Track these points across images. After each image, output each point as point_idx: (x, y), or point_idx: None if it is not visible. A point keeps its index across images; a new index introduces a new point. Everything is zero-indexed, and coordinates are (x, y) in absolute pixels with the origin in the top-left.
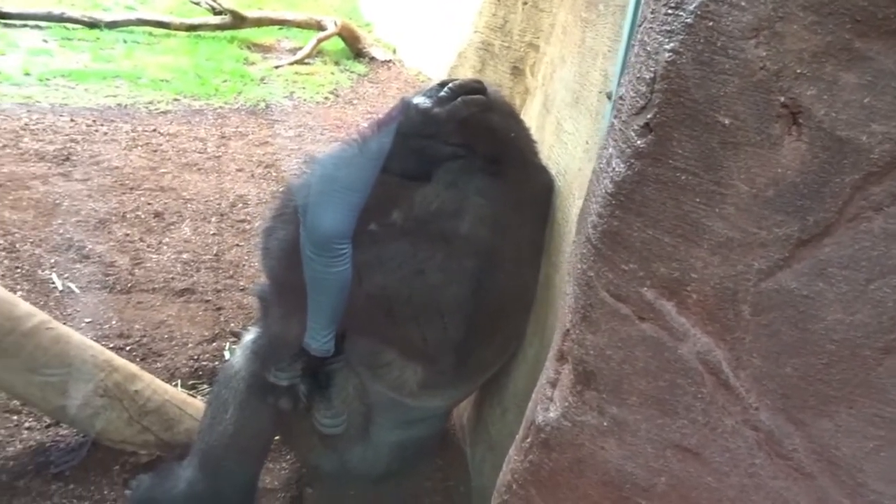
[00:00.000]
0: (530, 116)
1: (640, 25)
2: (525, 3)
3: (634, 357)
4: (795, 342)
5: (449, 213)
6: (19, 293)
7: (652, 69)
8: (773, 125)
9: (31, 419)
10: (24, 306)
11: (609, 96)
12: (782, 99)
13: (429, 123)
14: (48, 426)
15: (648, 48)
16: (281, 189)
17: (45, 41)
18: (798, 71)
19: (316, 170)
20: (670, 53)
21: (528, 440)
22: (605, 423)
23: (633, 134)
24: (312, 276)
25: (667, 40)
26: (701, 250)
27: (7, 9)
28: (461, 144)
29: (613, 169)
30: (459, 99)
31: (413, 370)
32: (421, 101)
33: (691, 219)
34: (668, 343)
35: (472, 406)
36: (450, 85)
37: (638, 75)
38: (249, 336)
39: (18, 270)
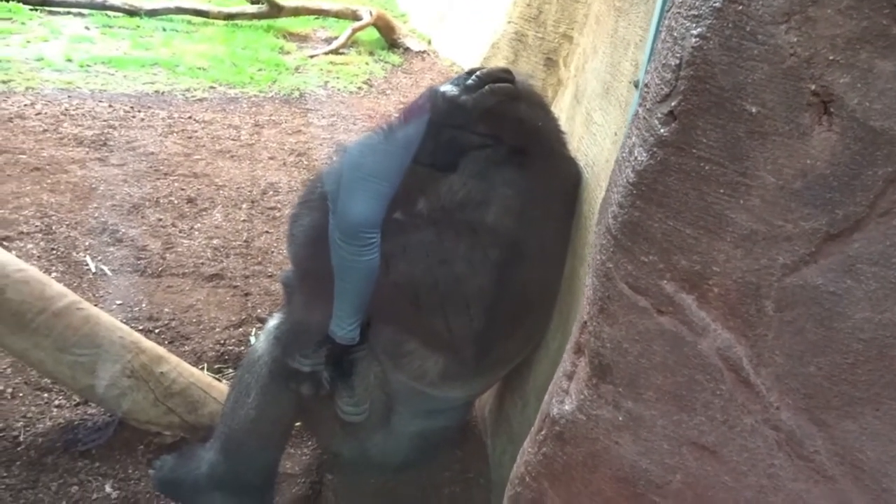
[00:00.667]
0: (561, 108)
1: (668, 11)
2: None
3: (652, 351)
4: (820, 340)
5: (475, 203)
6: (54, 274)
7: (678, 55)
8: (803, 114)
9: (61, 397)
10: (56, 287)
11: (636, 85)
12: (813, 87)
13: (455, 112)
14: (77, 405)
15: (675, 34)
16: (310, 177)
17: (87, 28)
18: (830, 58)
19: (345, 158)
20: (697, 39)
21: (543, 433)
22: (620, 418)
23: (656, 122)
24: (340, 264)
25: (694, 25)
26: (724, 243)
27: None
28: (488, 134)
29: (636, 158)
30: (486, 87)
31: (435, 360)
32: (448, 89)
33: (714, 210)
34: (688, 338)
35: (493, 398)
36: (477, 73)
37: (664, 62)
38: (273, 322)
39: (54, 252)
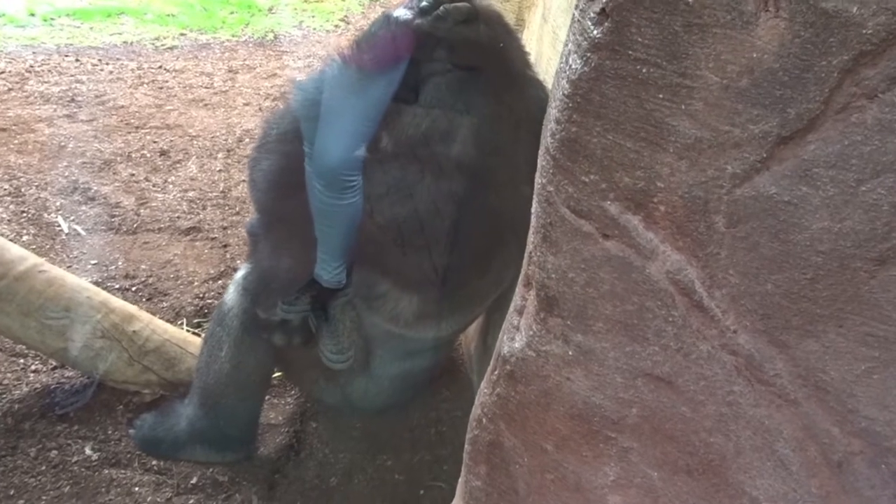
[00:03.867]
0: (532, 30)
1: None
2: None
3: (599, 279)
4: (776, 255)
5: (438, 134)
6: (25, 237)
7: None
8: (746, 0)
9: (37, 362)
10: (15, 250)
11: None
12: None
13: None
14: (54, 368)
15: None
16: (267, 117)
17: None
18: None
19: (312, 96)
20: None
21: (496, 373)
22: (570, 353)
23: (589, 23)
24: (320, 208)
25: None
26: (667, 155)
27: None
28: (448, 59)
29: (570, 66)
30: (441, 8)
31: (408, 300)
32: (401, 13)
33: (655, 119)
34: (636, 262)
35: (478, 334)
36: None
37: None
38: (241, 272)
39: (24, 214)
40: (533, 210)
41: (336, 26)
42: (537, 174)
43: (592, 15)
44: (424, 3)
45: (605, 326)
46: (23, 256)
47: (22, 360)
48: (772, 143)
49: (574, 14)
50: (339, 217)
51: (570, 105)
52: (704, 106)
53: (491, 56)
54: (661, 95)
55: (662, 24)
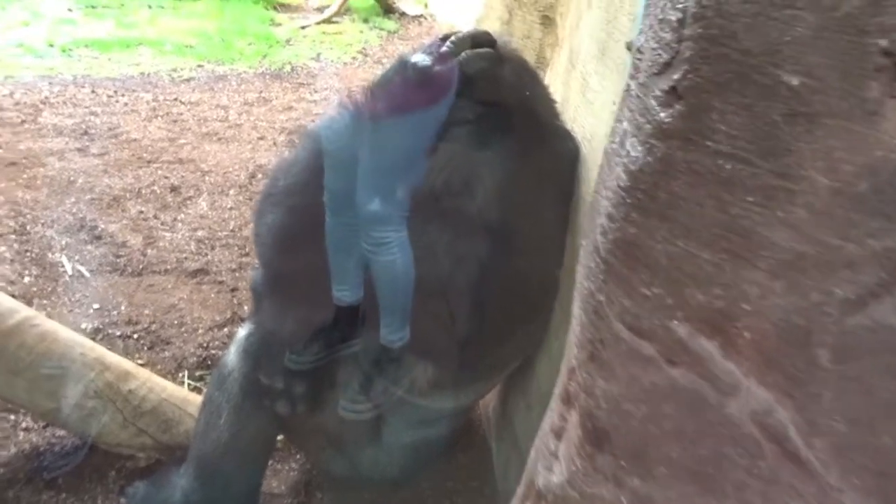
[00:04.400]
0: (557, 72)
1: None
2: None
3: (663, 414)
4: None
5: (457, 188)
6: (27, 278)
7: (680, 6)
8: (869, 84)
9: (28, 419)
10: (7, 302)
11: (629, 47)
12: (883, 43)
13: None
14: (45, 427)
15: None
16: (273, 166)
17: (70, 10)
18: None
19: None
20: None
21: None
22: (623, 500)
23: (654, 103)
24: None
25: None
26: (756, 272)
27: None
28: (469, 107)
29: (628, 153)
30: (463, 54)
31: (423, 368)
32: (420, 59)
33: (742, 227)
34: (710, 397)
35: (497, 399)
36: (452, 38)
37: (661, 17)
38: (243, 332)
39: (28, 254)
40: (575, 315)
41: (353, 58)
42: (581, 276)
43: (659, 93)
44: (445, 48)
45: (670, 472)
46: (13, 309)
47: (12, 417)
48: (895, 263)
49: (629, 85)
50: (380, 274)
51: (629, 201)
52: (809, 214)
53: (516, 105)
54: (750, 199)
55: (756, 112)
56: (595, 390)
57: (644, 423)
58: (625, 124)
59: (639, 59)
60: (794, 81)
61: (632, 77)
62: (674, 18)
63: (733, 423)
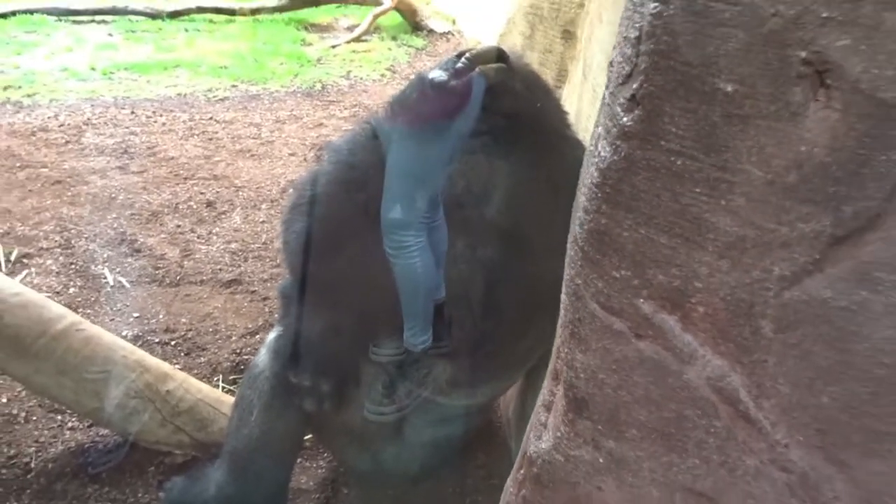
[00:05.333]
0: (574, 85)
1: None
2: None
3: (633, 382)
4: (833, 365)
5: (474, 196)
6: (72, 289)
7: (637, 25)
8: (793, 89)
9: (73, 419)
10: (55, 308)
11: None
12: (803, 54)
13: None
14: (90, 426)
15: (635, 0)
16: (299, 178)
17: (111, 35)
18: (824, 15)
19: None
20: (656, 4)
21: (522, 472)
22: (601, 460)
23: (619, 109)
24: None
25: None
26: (705, 253)
27: (76, 5)
28: (484, 119)
29: (599, 153)
30: (477, 69)
31: (442, 367)
32: (437, 75)
33: (691, 214)
34: (672, 366)
35: (516, 398)
36: (467, 55)
37: (624, 34)
38: (273, 334)
39: (72, 266)
40: (561, 302)
41: (382, 76)
42: (566, 264)
43: (623, 101)
44: (460, 65)
45: (640, 434)
46: (62, 315)
47: (59, 417)
48: (825, 243)
49: (605, 96)
50: (402, 277)
51: (600, 195)
52: (747, 202)
53: (528, 116)
54: (697, 189)
55: (699, 115)
56: (575, 363)
57: (616, 390)
58: (599, 129)
59: (610, 72)
60: (729, 88)
61: (606, 87)
62: (633, 36)
63: (692, 388)
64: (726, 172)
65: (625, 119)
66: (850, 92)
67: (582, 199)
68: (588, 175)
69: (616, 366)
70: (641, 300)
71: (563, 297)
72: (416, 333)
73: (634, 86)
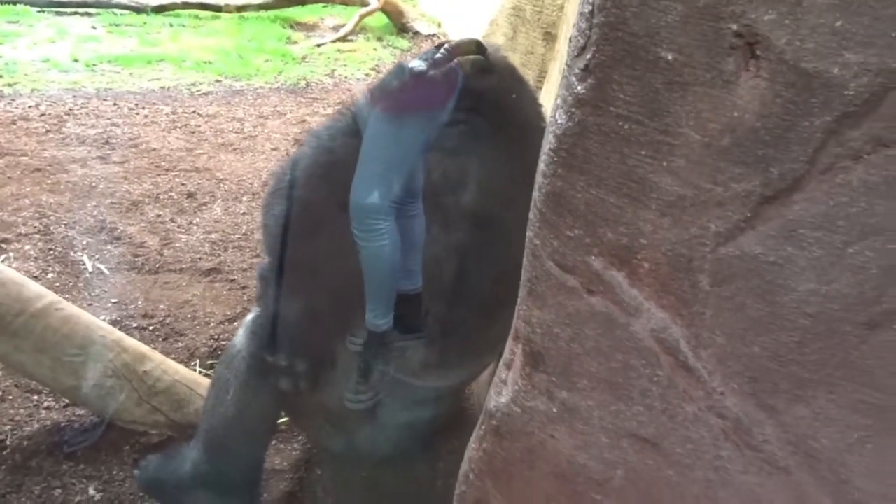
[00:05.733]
0: (552, 83)
1: None
2: None
3: (584, 335)
4: (763, 317)
5: (449, 184)
6: (50, 274)
7: (590, 1)
8: (726, 60)
9: (49, 399)
10: (34, 287)
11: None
12: (735, 27)
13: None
14: (66, 406)
15: None
16: (280, 164)
17: (94, 28)
18: None
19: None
20: None
21: (483, 427)
22: (554, 410)
23: (574, 79)
24: (358, 250)
25: None
26: (649, 212)
27: None
28: (461, 109)
29: (556, 121)
30: (455, 60)
31: (415, 349)
32: (416, 64)
33: (637, 175)
34: (620, 319)
35: (489, 385)
36: (445, 46)
37: (581, 10)
38: (250, 315)
39: (51, 252)
40: (523, 264)
41: (367, 75)
42: (528, 227)
43: (577, 71)
44: (439, 55)
45: (590, 384)
46: (41, 294)
47: (35, 397)
48: (755, 202)
49: (563, 69)
50: (370, 260)
51: (556, 160)
52: (686, 163)
53: (503, 107)
54: (643, 152)
55: (643, 82)
56: (532, 319)
57: (569, 343)
58: (557, 101)
59: (569, 47)
60: (670, 57)
61: (565, 63)
62: (587, 11)
63: (637, 340)
64: (668, 136)
65: (579, 88)
66: (776, 62)
67: (542, 165)
68: (547, 142)
69: (569, 320)
70: (592, 257)
71: (524, 259)
72: (379, 315)
73: (588, 56)
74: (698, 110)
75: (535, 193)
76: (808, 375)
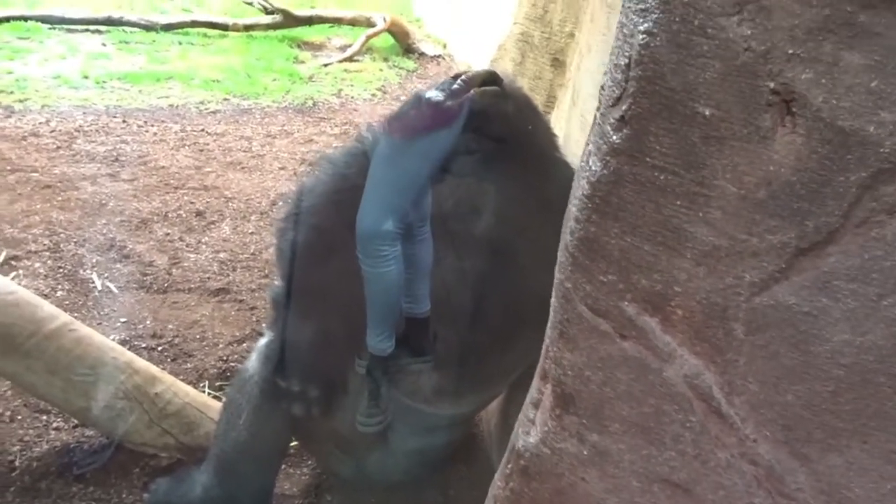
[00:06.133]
0: (562, 110)
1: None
2: None
3: (616, 379)
4: (797, 366)
5: (463, 211)
6: (59, 292)
7: (627, 54)
8: (763, 116)
9: (59, 419)
10: (48, 308)
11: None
12: (772, 85)
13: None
14: (75, 427)
15: (625, 30)
16: (293, 188)
17: (104, 45)
18: (790, 51)
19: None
20: (644, 35)
21: (510, 466)
22: (585, 452)
23: (608, 128)
24: (364, 275)
25: (641, 20)
26: (684, 260)
27: (71, 14)
28: (476, 138)
29: (590, 168)
30: (472, 91)
31: (427, 376)
32: (434, 94)
33: (672, 224)
34: (653, 364)
35: (498, 412)
36: (462, 77)
37: (615, 62)
38: (263, 340)
39: (61, 270)
40: (551, 305)
41: (373, 95)
42: (556, 269)
43: (612, 121)
44: (456, 86)
45: (622, 428)
46: (54, 315)
47: (45, 417)
48: (790, 253)
49: (595, 116)
50: (374, 285)
51: (589, 206)
52: (722, 215)
53: (518, 137)
54: (678, 202)
55: (680, 135)
56: (563, 361)
57: (601, 386)
58: (590, 146)
59: (601, 95)
60: (707, 112)
61: (597, 109)
62: (623, 63)
63: (670, 385)
64: (704, 187)
65: (614, 137)
66: (812, 119)
67: (573, 209)
68: (579, 188)
69: (601, 364)
70: (626, 303)
71: (552, 300)
72: (382, 339)
73: (623, 107)
74: (735, 164)
75: (567, 237)
76: (842, 425)
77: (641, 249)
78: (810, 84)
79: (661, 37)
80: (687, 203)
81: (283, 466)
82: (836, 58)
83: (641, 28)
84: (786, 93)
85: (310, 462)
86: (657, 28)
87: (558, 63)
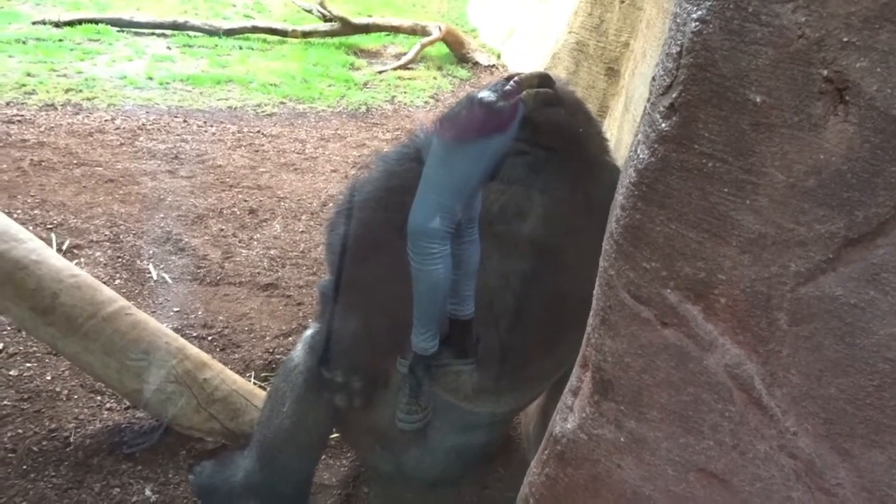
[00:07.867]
0: (615, 117)
1: None
2: (622, 2)
3: (656, 366)
4: (841, 358)
5: (513, 212)
6: (117, 280)
7: (679, 42)
8: (815, 103)
9: (112, 400)
10: (107, 292)
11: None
12: (825, 72)
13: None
14: (127, 408)
15: (678, 20)
16: (347, 185)
17: (169, 48)
18: (845, 39)
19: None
20: (697, 23)
21: (546, 452)
22: (622, 439)
23: (658, 116)
24: (412, 271)
25: (694, 8)
26: (730, 248)
27: (138, 18)
28: (527, 140)
29: (638, 156)
30: (524, 92)
31: (469, 374)
32: (486, 95)
33: (719, 212)
34: (693, 353)
35: (537, 414)
36: (515, 79)
37: (667, 51)
38: (310, 331)
39: (119, 259)
40: (594, 293)
41: (425, 102)
42: (601, 258)
43: (662, 109)
44: (508, 87)
45: (660, 415)
46: (112, 298)
47: (99, 398)
48: (838, 244)
49: (646, 107)
50: (422, 283)
51: (636, 193)
52: (769, 203)
53: (569, 140)
54: (725, 190)
55: (730, 122)
56: (604, 347)
57: (640, 373)
58: (639, 136)
59: (652, 85)
60: (758, 99)
61: (648, 100)
62: (674, 51)
63: (710, 374)
64: (752, 175)
65: (663, 125)
66: (865, 108)
67: (619, 198)
68: (626, 176)
69: (641, 351)
70: (668, 290)
71: (596, 287)
72: (427, 339)
73: (674, 95)
74: (784, 151)
75: (612, 225)
76: (887, 421)
77: (686, 237)
78: (865, 72)
79: (714, 24)
80: (734, 190)
81: (324, 457)
82: (892, 46)
83: (695, 16)
84: (839, 81)
85: (350, 454)
86: (710, 15)
87: (612, 72)
